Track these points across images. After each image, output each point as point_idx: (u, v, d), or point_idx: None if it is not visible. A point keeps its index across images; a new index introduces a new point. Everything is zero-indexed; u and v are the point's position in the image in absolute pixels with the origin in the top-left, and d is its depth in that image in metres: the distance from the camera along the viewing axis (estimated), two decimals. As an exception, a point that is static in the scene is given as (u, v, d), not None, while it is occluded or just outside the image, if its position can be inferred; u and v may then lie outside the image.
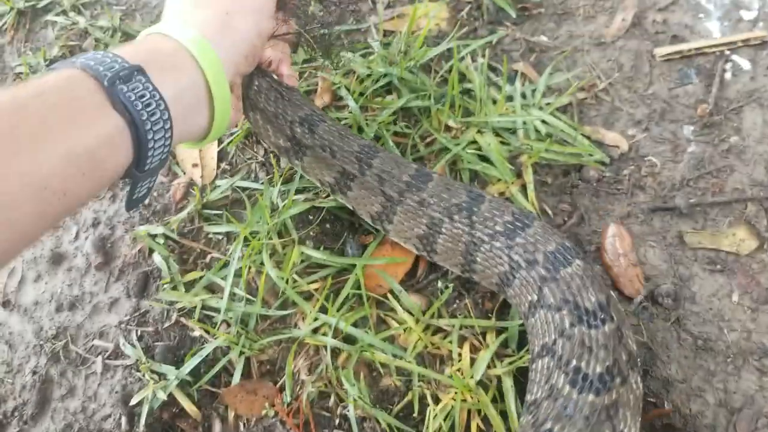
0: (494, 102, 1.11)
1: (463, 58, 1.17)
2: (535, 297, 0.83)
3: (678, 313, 0.95)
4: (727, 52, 1.14)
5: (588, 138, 1.09)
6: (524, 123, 1.08)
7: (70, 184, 0.56)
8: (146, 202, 1.13)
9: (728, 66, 1.13)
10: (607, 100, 1.13)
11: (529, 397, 0.79)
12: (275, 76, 0.96)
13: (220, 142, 1.16)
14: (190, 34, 0.71)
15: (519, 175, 1.06)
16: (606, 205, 1.04)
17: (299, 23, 0.96)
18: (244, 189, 1.09)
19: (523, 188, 1.05)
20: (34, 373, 1.02)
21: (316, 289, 0.98)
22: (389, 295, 0.96)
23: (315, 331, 0.96)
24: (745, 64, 1.12)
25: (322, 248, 1.02)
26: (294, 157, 0.99)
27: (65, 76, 0.59)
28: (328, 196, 1.04)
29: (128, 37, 1.35)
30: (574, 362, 0.75)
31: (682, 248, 0.99)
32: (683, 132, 1.08)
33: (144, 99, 0.61)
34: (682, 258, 0.98)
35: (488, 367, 0.89)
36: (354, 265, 0.98)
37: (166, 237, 1.06)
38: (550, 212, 1.04)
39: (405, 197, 0.92)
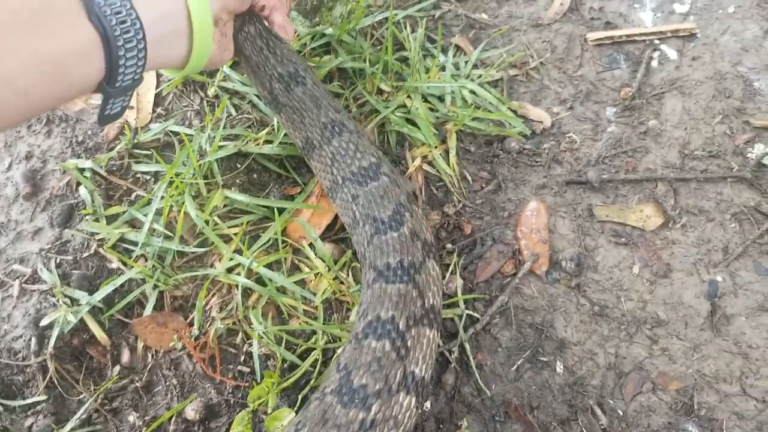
0: (427, 71, 1.14)
1: (401, 28, 1.20)
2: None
3: (579, 279, 0.99)
4: (657, 42, 1.18)
5: (514, 112, 1.13)
6: (452, 91, 1.12)
7: (34, 85, 0.57)
8: (80, 138, 1.15)
9: (656, 54, 1.17)
10: (537, 78, 1.18)
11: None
12: (266, 24, 0.95)
13: (157, 86, 1.18)
14: None
15: (444, 141, 1.09)
16: (523, 176, 1.08)
17: None
18: (176, 133, 1.11)
19: (446, 153, 1.08)
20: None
21: (236, 233, 1.01)
22: (304, 243, 0.99)
23: (230, 270, 0.99)
24: (672, 54, 1.17)
25: (247, 195, 1.05)
26: (273, 110, 1.00)
27: None
28: (257, 143, 1.07)
29: None
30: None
31: (591, 220, 1.03)
32: (605, 113, 1.13)
33: (120, 15, 0.62)
34: (589, 229, 1.03)
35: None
36: (275, 213, 1.01)
37: (94, 172, 1.08)
38: (469, 178, 1.08)
39: (346, 186, 0.92)
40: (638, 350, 0.93)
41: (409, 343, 0.78)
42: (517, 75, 1.18)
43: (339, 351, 0.85)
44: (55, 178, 1.11)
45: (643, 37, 1.19)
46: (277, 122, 1.05)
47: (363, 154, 0.92)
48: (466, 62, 1.16)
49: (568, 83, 1.16)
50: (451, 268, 0.98)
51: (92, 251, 1.03)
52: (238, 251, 0.98)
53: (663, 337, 0.93)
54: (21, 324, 0.99)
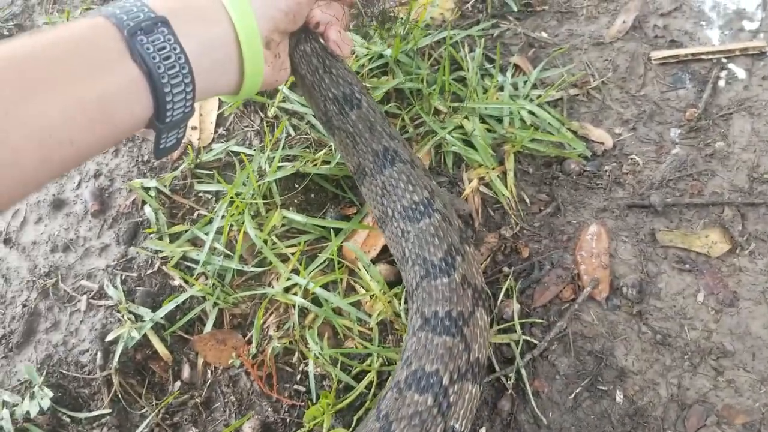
0: (485, 91, 1.14)
1: (459, 48, 1.20)
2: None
3: (641, 306, 0.96)
4: (724, 60, 1.14)
5: (574, 133, 1.11)
6: (511, 112, 1.11)
7: (78, 132, 0.56)
8: (146, 158, 1.19)
9: (723, 74, 1.14)
10: (598, 98, 1.15)
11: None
12: (322, 41, 0.91)
13: (219, 107, 1.21)
14: None
15: (501, 162, 1.08)
16: (583, 199, 1.06)
17: None
18: (236, 153, 1.14)
19: (504, 175, 1.07)
20: (24, 306, 1.09)
21: (293, 253, 1.02)
22: (360, 264, 1.00)
23: (287, 290, 1.00)
24: (741, 73, 1.13)
25: (304, 215, 1.06)
26: (328, 132, 0.98)
27: (88, 24, 0.59)
28: (314, 163, 1.08)
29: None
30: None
31: (653, 246, 1.00)
32: (670, 134, 1.10)
33: (163, 51, 0.61)
34: (652, 255, 1.00)
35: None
36: (332, 234, 1.02)
37: (158, 191, 1.12)
38: (527, 200, 1.06)
39: (397, 221, 0.89)
40: (702, 381, 0.90)
41: (451, 399, 0.77)
42: (577, 95, 1.16)
43: (380, 395, 0.84)
44: (122, 196, 1.16)
45: (710, 56, 1.15)
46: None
47: (416, 188, 0.89)
48: (525, 82, 1.15)
49: (630, 103, 1.14)
50: (504, 290, 0.97)
51: (156, 268, 1.06)
52: (295, 271, 1.00)
53: (729, 369, 0.90)
54: (88, 338, 1.03)
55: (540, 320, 0.96)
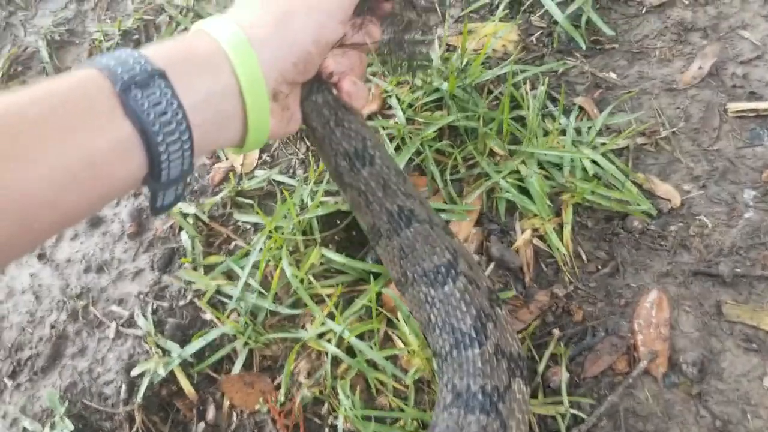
0: (546, 133, 1.07)
1: (520, 84, 1.13)
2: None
3: (701, 387, 0.88)
4: (809, 118, 1.05)
5: (639, 186, 1.03)
6: (572, 160, 1.04)
7: (62, 194, 0.51)
8: (187, 180, 1.15)
9: (807, 133, 1.05)
10: (668, 149, 1.07)
11: None
12: (335, 92, 0.85)
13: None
14: (231, 31, 0.65)
15: (558, 213, 1.02)
16: (645, 261, 0.98)
17: (394, 30, 0.85)
18: (279, 183, 1.10)
19: (560, 227, 1.00)
20: (53, 327, 1.07)
21: (329, 295, 0.97)
22: (400, 316, 0.94)
23: (321, 335, 0.95)
24: (827, 134, 1.04)
25: (344, 254, 1.01)
26: (338, 187, 0.92)
27: (79, 77, 0.55)
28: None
29: (200, 18, 1.38)
30: None
31: (719, 319, 0.92)
32: (743, 196, 1.01)
33: (159, 107, 0.56)
34: (716, 329, 0.92)
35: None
36: (371, 277, 0.97)
37: (197, 218, 1.08)
38: (584, 257, 0.99)
39: (418, 285, 0.83)
40: (764, 476, 0.82)
41: None
42: (645, 144, 1.08)
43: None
44: (160, 219, 1.13)
45: (794, 112, 1.06)
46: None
47: (436, 249, 0.83)
48: (590, 128, 1.08)
49: (702, 158, 1.05)
50: (549, 352, 0.90)
51: (188, 300, 1.02)
52: (331, 315, 0.95)
53: (795, 466, 0.82)
54: (113, 368, 1.00)
55: (590, 394, 0.89)
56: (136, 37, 1.42)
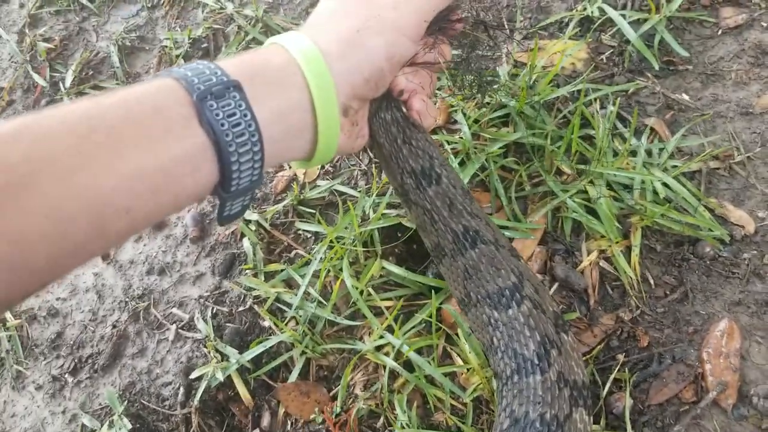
0: (615, 154, 1.04)
1: (591, 103, 1.11)
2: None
3: (774, 423, 0.84)
4: None
5: (711, 211, 1.00)
6: (643, 182, 1.01)
7: (137, 201, 0.52)
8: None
9: None
10: (742, 174, 1.04)
11: None
12: (404, 110, 0.85)
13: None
14: (305, 45, 0.66)
15: (626, 235, 0.99)
16: (716, 288, 0.95)
17: (463, 49, 0.85)
18: (341, 193, 1.10)
19: (628, 250, 0.98)
20: (114, 326, 1.09)
21: (388, 307, 0.96)
22: (460, 332, 0.93)
23: (378, 348, 0.94)
24: None
25: (404, 267, 1.00)
26: (403, 204, 0.92)
27: (156, 86, 0.56)
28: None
29: (269, 29, 1.41)
30: None
31: (795, 353, 0.88)
32: (824, 225, 0.97)
33: (233, 118, 0.57)
34: (792, 364, 0.88)
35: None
36: (431, 291, 0.96)
37: (259, 225, 1.09)
38: (651, 282, 0.96)
39: (482, 307, 0.81)
40: None
41: None
42: (718, 168, 1.05)
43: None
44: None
45: None
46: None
47: (501, 272, 0.81)
48: (661, 150, 1.05)
49: (779, 184, 1.01)
50: (613, 377, 0.88)
51: (247, 306, 1.03)
52: (389, 328, 0.94)
53: None
54: (172, 370, 1.01)
55: (654, 421, 0.86)
56: (205, 45, 1.45)
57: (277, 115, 0.62)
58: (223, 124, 0.56)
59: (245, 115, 0.58)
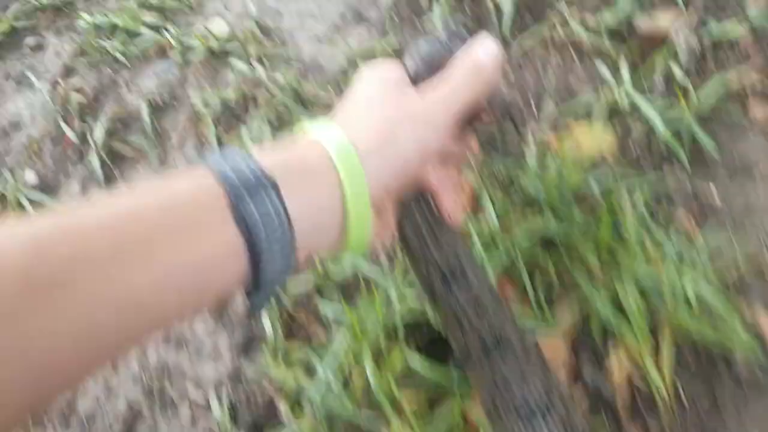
0: (642, 248, 1.02)
1: (619, 190, 1.10)
2: None
3: None
4: None
5: (743, 320, 0.97)
6: (673, 286, 0.98)
7: (162, 297, 0.50)
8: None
9: None
10: (774, 279, 1.01)
11: None
12: (433, 207, 0.80)
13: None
14: (341, 144, 0.64)
15: (657, 344, 0.96)
16: (749, 407, 0.92)
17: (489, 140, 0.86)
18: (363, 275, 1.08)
19: (656, 352, 0.95)
20: (127, 401, 1.06)
21: (409, 402, 0.94)
22: (486, 433, 0.90)
23: (398, 446, 0.92)
24: None
25: (426, 353, 0.97)
26: (431, 305, 0.89)
27: (194, 182, 0.55)
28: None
29: (298, 96, 1.41)
30: None
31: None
32: None
33: (267, 216, 0.55)
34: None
35: None
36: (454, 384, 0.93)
37: (279, 302, 1.08)
38: (682, 396, 0.93)
39: (507, 418, 0.78)
40: None
41: None
42: (749, 272, 1.02)
43: None
44: (241, 298, 1.12)
45: None
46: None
47: (531, 386, 0.78)
48: (691, 249, 1.03)
49: (816, 293, 0.99)
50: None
51: (264, 390, 1.01)
52: (410, 426, 0.91)
53: None
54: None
55: None
56: (235, 108, 1.46)
57: (309, 213, 0.60)
58: (256, 223, 0.54)
59: (279, 213, 0.56)
